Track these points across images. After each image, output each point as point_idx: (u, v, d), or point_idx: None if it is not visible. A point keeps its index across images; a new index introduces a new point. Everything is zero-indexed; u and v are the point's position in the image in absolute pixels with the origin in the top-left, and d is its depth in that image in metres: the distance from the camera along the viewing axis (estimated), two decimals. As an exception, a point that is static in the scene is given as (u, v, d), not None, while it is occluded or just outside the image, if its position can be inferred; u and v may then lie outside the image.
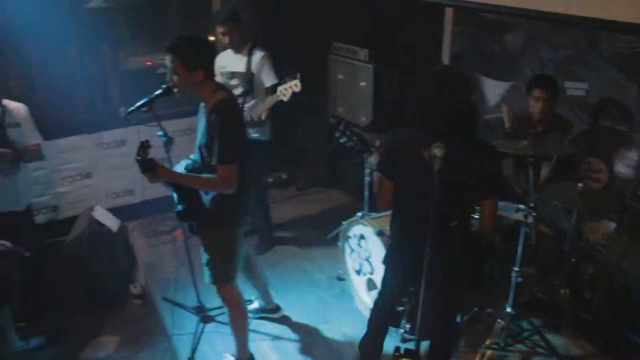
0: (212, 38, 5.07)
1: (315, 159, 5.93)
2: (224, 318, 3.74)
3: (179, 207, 3.13)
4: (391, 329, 3.72)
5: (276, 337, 3.80)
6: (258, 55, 4.33)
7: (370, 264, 3.78)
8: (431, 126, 2.46)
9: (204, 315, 3.81)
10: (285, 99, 4.13)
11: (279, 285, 4.20)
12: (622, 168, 3.86)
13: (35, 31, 4.50)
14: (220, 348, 3.63)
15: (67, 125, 4.87)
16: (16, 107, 3.73)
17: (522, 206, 3.24)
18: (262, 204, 4.76)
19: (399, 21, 5.10)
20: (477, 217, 2.73)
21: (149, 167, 2.90)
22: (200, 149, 3.01)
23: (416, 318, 2.79)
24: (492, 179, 2.59)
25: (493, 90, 4.68)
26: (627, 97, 3.76)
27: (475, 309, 3.69)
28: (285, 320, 3.92)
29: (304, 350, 3.69)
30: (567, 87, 4.08)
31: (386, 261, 2.91)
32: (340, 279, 4.27)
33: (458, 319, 3.48)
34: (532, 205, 3.18)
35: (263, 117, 4.31)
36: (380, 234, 3.54)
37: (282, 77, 4.20)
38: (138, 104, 3.18)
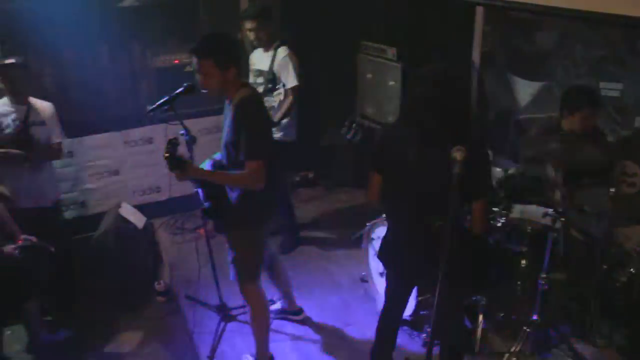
0: (239, 37, 5.09)
1: (342, 159, 5.87)
2: (246, 318, 3.76)
3: (206, 205, 3.12)
4: (414, 333, 3.68)
5: (297, 338, 3.77)
6: (281, 54, 4.30)
7: (393, 266, 3.72)
8: (421, 125, 2.46)
9: (225, 315, 3.82)
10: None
11: (301, 285, 4.17)
12: (658, 172, 3.71)
13: (68, 30, 4.57)
14: (240, 348, 3.62)
15: (96, 123, 4.93)
16: (42, 105, 3.77)
17: (550, 211, 3.13)
18: (286, 203, 4.74)
19: (429, 20, 5.02)
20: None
21: (178, 165, 2.90)
22: (226, 146, 3.00)
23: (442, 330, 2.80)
24: (481, 180, 2.55)
25: (524, 90, 4.56)
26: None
27: (501, 315, 3.60)
28: (306, 321, 3.90)
29: (324, 352, 3.66)
30: (601, 88, 3.94)
31: (380, 256, 2.92)
32: (363, 280, 4.21)
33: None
34: (560, 210, 3.06)
35: (283, 120, 4.28)
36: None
37: (313, 81, 4.17)
38: (159, 102, 3.19)
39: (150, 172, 5.16)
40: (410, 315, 3.64)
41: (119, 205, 4.61)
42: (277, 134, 4.29)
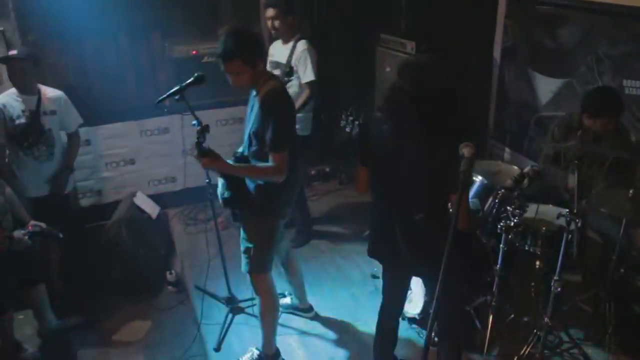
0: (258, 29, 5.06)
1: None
2: (254, 310, 3.75)
3: (226, 195, 3.10)
4: (422, 331, 3.63)
5: (304, 333, 3.75)
6: (300, 47, 4.24)
7: (404, 263, 3.67)
8: (400, 116, 2.43)
9: (233, 307, 3.81)
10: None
11: (312, 279, 4.14)
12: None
13: (89, 19, 4.60)
14: (247, 341, 3.61)
15: (113, 112, 4.96)
16: (53, 94, 3.79)
17: (565, 211, 3.05)
18: (300, 197, 4.70)
19: (449, 14, 4.93)
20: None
21: (206, 154, 2.93)
22: (250, 136, 3.00)
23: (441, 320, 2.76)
24: (454, 174, 2.47)
25: (545, 87, 4.45)
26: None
27: (512, 316, 3.53)
28: (315, 316, 3.87)
29: (331, 348, 3.63)
30: (625, 86, 3.82)
31: (368, 250, 2.92)
32: (374, 277, 4.17)
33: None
34: (575, 211, 2.97)
35: (298, 114, 4.23)
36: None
37: (332, 74, 4.12)
38: (169, 92, 3.18)
39: (166, 162, 5.18)
40: (419, 314, 3.59)
41: (133, 195, 4.64)
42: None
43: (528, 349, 3.29)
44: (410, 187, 2.50)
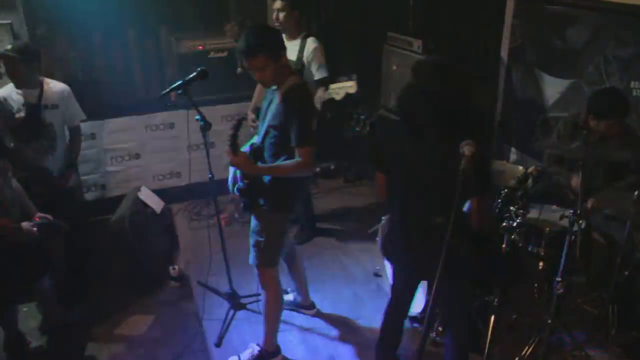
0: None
1: (364, 151, 5.80)
2: (255, 307, 3.76)
3: (241, 184, 3.12)
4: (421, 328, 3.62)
5: (305, 330, 3.74)
6: (311, 45, 4.24)
7: (406, 262, 3.66)
8: (418, 117, 2.40)
9: (235, 302, 3.81)
10: (337, 97, 4.01)
11: (314, 277, 4.13)
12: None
13: (98, 13, 4.61)
14: (248, 337, 3.61)
15: (119, 106, 4.98)
16: (56, 88, 3.79)
17: (568, 212, 3.02)
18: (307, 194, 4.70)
19: (457, 12, 4.91)
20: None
21: (235, 150, 2.93)
22: (268, 130, 3.03)
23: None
24: (478, 177, 2.42)
25: (552, 87, 4.43)
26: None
27: (515, 317, 3.51)
28: (316, 313, 3.87)
29: (332, 345, 3.62)
30: (632, 87, 3.79)
31: (384, 253, 2.91)
32: (377, 275, 4.17)
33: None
34: (578, 212, 2.95)
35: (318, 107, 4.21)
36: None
37: (339, 72, 4.08)
38: (172, 86, 3.19)
39: (171, 157, 5.19)
40: (420, 313, 3.58)
41: (138, 189, 4.65)
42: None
43: (529, 350, 3.27)
44: (429, 189, 2.46)
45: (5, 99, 3.61)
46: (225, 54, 5.01)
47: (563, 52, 4.29)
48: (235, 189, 3.17)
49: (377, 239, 3.97)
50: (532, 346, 3.28)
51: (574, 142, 3.24)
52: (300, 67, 4.28)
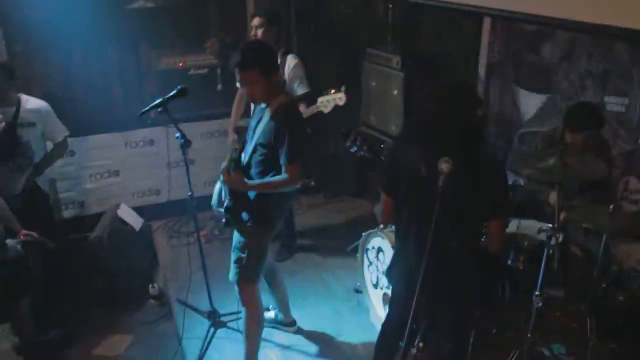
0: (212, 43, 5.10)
1: (344, 168, 5.82)
2: (236, 325, 3.72)
3: (227, 203, 3.13)
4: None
5: (286, 347, 3.72)
6: (291, 62, 4.27)
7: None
8: (433, 141, 2.37)
9: (215, 321, 3.77)
10: (326, 110, 4.04)
11: (295, 293, 4.10)
12: (663, 190, 3.62)
13: (77, 30, 4.60)
14: (228, 355, 3.59)
15: (99, 123, 4.95)
16: (34, 105, 3.74)
17: (546, 226, 3.06)
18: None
19: (436, 29, 4.96)
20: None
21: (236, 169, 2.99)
22: (256, 147, 3.06)
23: (430, 337, 2.72)
24: (498, 197, 2.46)
25: (529, 102, 4.48)
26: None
27: (494, 332, 3.52)
28: (297, 330, 3.85)
29: (313, 363, 3.60)
30: (606, 102, 3.86)
31: (388, 274, 2.85)
32: (357, 291, 4.16)
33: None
34: (556, 226, 2.98)
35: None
36: (397, 247, 3.42)
37: (317, 89, 4.11)
38: (152, 104, 3.18)
39: (150, 174, 5.16)
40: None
41: (117, 207, 4.61)
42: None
43: (510, 365, 3.28)
44: (444, 213, 2.34)
45: None
46: (205, 70, 5.02)
47: (539, 68, 4.36)
48: (220, 205, 3.18)
49: (357, 255, 3.98)
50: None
51: (551, 157, 3.29)
52: (282, 84, 4.30)
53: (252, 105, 3.37)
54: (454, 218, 2.31)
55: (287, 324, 3.86)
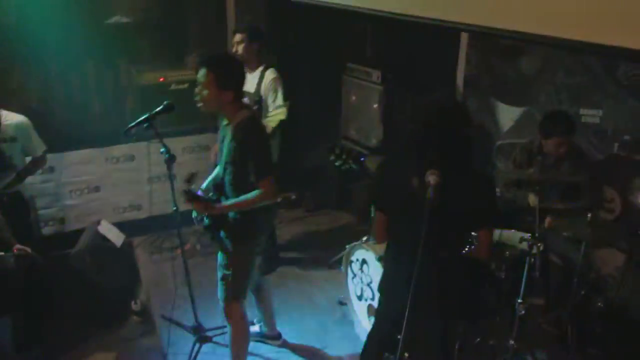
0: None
1: (324, 181, 5.87)
2: (221, 339, 3.71)
3: (206, 222, 3.12)
4: (391, 358, 3.63)
5: (272, 361, 3.72)
6: (268, 77, 4.29)
7: (371, 289, 3.70)
8: (424, 155, 2.42)
9: (200, 335, 3.75)
10: (273, 124, 4.08)
11: (279, 307, 4.09)
12: (637, 198, 3.72)
13: (55, 44, 4.57)
14: (214, 370, 3.56)
15: (78, 139, 4.91)
16: (14, 120, 3.72)
17: (527, 236, 3.13)
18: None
19: (414, 44, 5.05)
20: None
21: (198, 199, 2.97)
22: (226, 166, 3.04)
23: (415, 347, 2.74)
24: (486, 209, 2.52)
25: (506, 115, 4.59)
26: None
27: (478, 340, 3.56)
28: (283, 344, 3.84)
29: (300, 376, 3.60)
30: (581, 114, 3.97)
31: (380, 289, 2.85)
32: (342, 303, 4.18)
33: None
34: (537, 235, 3.06)
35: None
36: (381, 259, 3.46)
37: (298, 103, 4.16)
38: (139, 120, 3.18)
39: (131, 189, 5.12)
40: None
41: (98, 223, 4.56)
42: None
43: (495, 372, 3.33)
44: (435, 225, 2.40)
45: None
46: (186, 85, 5.00)
47: (516, 81, 4.47)
48: (199, 222, 3.17)
49: (341, 267, 4.00)
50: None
51: (530, 167, 3.39)
52: (258, 99, 4.33)
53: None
54: (445, 229, 2.34)
55: (272, 337, 3.85)
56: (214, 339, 3.77)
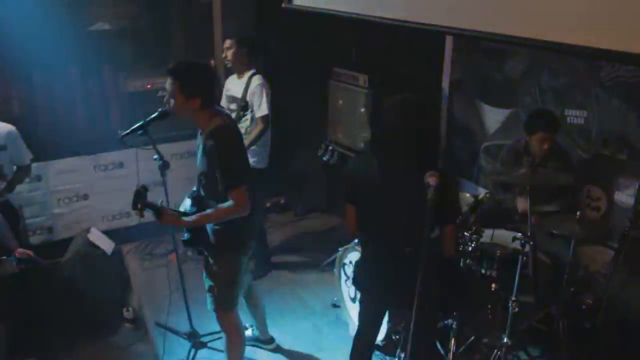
0: (212, 63, 5.12)
1: (314, 184, 5.90)
2: (217, 344, 3.71)
3: (185, 236, 3.09)
4: (386, 358, 3.68)
5: (268, 365, 3.73)
6: (255, 83, 4.32)
7: (365, 291, 3.72)
8: (390, 153, 2.56)
9: (196, 341, 3.75)
10: (250, 138, 4.19)
11: (273, 311, 4.13)
12: (622, 197, 3.81)
13: (38, 52, 4.54)
14: (211, 376, 3.56)
15: (65, 146, 4.88)
16: (4, 129, 3.71)
17: (519, 235, 3.19)
18: (259, 229, 4.71)
19: (400, 47, 5.10)
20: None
21: (160, 212, 2.90)
22: (200, 177, 3.01)
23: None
24: (450, 205, 2.62)
25: (492, 117, 4.66)
26: (627, 125, 3.73)
27: (472, 338, 3.62)
28: (278, 348, 3.86)
29: (296, 379, 3.62)
30: (566, 115, 4.05)
31: (354, 283, 3.01)
32: (335, 306, 4.20)
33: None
34: (529, 234, 3.12)
35: (252, 147, 4.25)
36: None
37: (284, 107, 4.21)
38: (133, 127, 3.17)
39: (120, 196, 5.07)
40: (382, 340, 3.63)
41: (87, 230, 4.54)
42: (250, 160, 4.28)
43: (489, 370, 3.38)
44: (399, 221, 2.58)
45: None
46: (174, 92, 5.00)
47: (501, 83, 4.54)
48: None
49: (334, 270, 4.03)
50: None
51: (517, 168, 3.46)
52: (244, 104, 4.36)
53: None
54: (409, 225, 2.48)
55: (265, 341, 3.87)
56: (210, 345, 3.77)
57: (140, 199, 2.86)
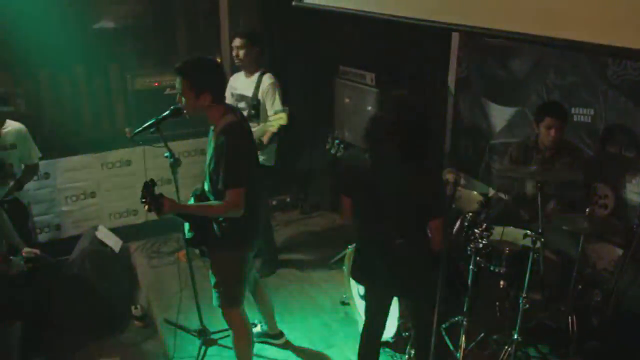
0: (219, 60, 5.13)
1: (320, 182, 5.91)
2: (227, 342, 3.71)
3: (188, 235, 3.11)
4: (396, 355, 3.69)
5: (278, 362, 3.74)
6: (266, 82, 4.32)
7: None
8: (383, 148, 2.65)
9: (206, 339, 3.75)
10: (272, 129, 4.11)
11: (282, 308, 4.15)
12: (629, 194, 3.83)
13: (44, 50, 4.55)
14: (221, 373, 3.57)
15: (73, 144, 4.89)
16: (13, 128, 3.75)
17: (530, 232, 3.21)
18: (266, 227, 4.72)
19: (406, 46, 5.12)
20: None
21: (156, 205, 2.85)
22: (210, 174, 3.00)
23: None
24: (437, 199, 2.69)
25: (499, 115, 4.68)
26: (635, 123, 3.76)
27: (482, 334, 3.64)
28: (288, 345, 3.86)
29: (305, 376, 3.63)
30: (573, 113, 4.08)
31: (352, 274, 3.10)
32: (344, 303, 4.22)
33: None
34: (540, 231, 3.14)
35: (265, 141, 4.24)
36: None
37: (292, 105, 4.20)
38: (145, 124, 3.17)
39: (127, 194, 5.10)
40: (392, 337, 3.65)
41: (95, 228, 4.55)
42: (260, 157, 4.29)
43: (500, 366, 3.40)
44: (390, 213, 2.68)
45: None
46: (181, 90, 5.01)
47: (507, 82, 4.56)
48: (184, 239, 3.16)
49: (343, 267, 4.04)
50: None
51: (526, 163, 3.50)
52: (256, 103, 4.36)
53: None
54: (400, 217, 2.63)
55: (274, 335, 3.87)
56: (220, 342, 3.78)
57: (147, 191, 2.86)
